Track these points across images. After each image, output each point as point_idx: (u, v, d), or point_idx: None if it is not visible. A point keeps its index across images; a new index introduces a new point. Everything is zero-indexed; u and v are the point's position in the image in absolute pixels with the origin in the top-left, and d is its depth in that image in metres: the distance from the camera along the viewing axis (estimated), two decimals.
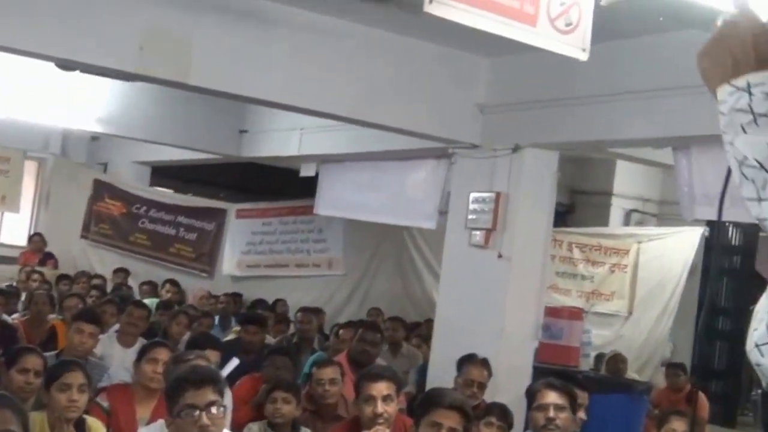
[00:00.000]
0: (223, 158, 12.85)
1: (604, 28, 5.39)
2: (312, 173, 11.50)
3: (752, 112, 1.38)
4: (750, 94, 1.40)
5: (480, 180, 8.08)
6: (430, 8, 4.47)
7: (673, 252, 10.78)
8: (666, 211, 11.81)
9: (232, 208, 14.28)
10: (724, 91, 1.44)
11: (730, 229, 11.11)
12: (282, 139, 11.10)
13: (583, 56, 4.99)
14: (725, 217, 5.44)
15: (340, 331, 9.24)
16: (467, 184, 8.23)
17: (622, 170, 11.74)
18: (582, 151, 9.42)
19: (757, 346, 1.51)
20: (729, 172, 1.49)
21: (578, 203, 12.35)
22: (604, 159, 11.02)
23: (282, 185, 14.36)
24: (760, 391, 1.55)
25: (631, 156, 9.36)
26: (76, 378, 4.82)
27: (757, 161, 1.34)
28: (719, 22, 1.56)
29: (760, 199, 1.34)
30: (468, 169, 8.28)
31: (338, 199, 11.08)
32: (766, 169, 1.33)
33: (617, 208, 12.01)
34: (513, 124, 7.90)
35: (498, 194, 7.88)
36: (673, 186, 8.27)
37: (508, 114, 7.95)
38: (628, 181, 11.94)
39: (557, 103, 7.46)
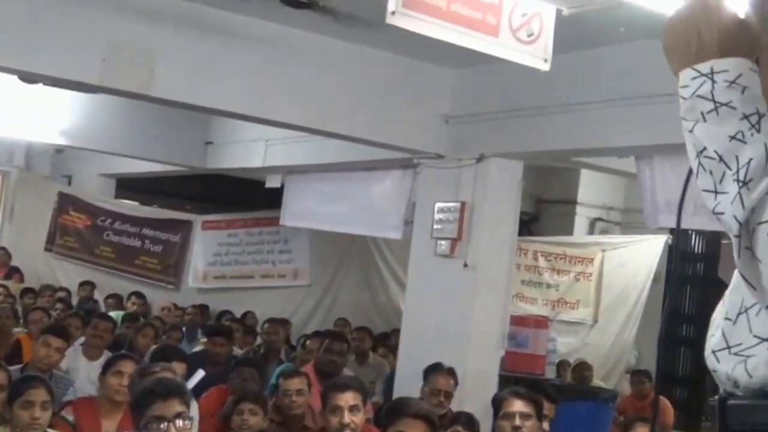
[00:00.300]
0: (188, 170, 12.82)
1: (567, 38, 5.44)
2: (277, 184, 11.49)
3: (714, 101, 1.35)
4: (713, 81, 1.37)
5: (445, 190, 8.10)
6: (392, 19, 4.50)
7: (637, 260, 10.86)
8: (630, 220, 11.89)
9: (197, 219, 14.23)
10: (686, 76, 1.41)
11: (693, 236, 11.20)
12: (247, 151, 11.09)
13: (545, 66, 5.04)
14: (687, 225, 5.50)
15: (307, 342, 9.23)
16: (432, 194, 8.25)
17: (586, 179, 11.81)
18: (546, 160, 9.48)
19: (713, 352, 1.52)
20: (687, 180, 1.49)
21: (543, 212, 12.42)
22: (568, 168, 11.09)
23: (248, 196, 14.34)
24: (717, 396, 1.54)
25: (594, 165, 9.43)
26: (39, 395, 4.79)
27: (716, 153, 1.32)
28: None
29: (716, 192, 1.32)
30: (433, 179, 8.31)
31: (304, 210, 11.09)
32: (725, 163, 1.30)
33: (581, 216, 12.08)
34: (477, 134, 7.94)
35: (463, 204, 7.91)
36: (636, 194, 8.34)
37: (473, 124, 7.99)
38: (592, 190, 12.01)
39: (521, 113, 7.50)
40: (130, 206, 15.42)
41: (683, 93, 1.40)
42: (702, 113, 1.35)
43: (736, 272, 1.52)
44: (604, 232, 12.12)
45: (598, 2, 4.10)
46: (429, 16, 4.59)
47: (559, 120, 7.25)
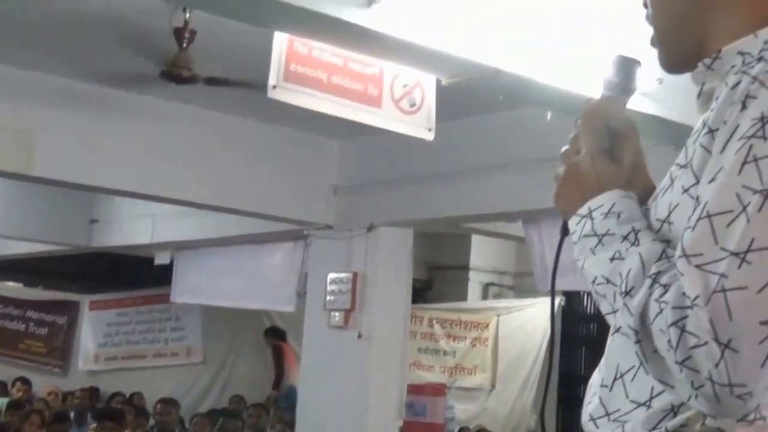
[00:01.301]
0: (73, 249, 12.50)
1: (450, 106, 5.49)
2: (167, 261, 11.32)
3: (596, 235, 1.43)
4: (592, 219, 1.45)
5: (337, 261, 8.12)
6: (273, 94, 4.49)
7: (531, 323, 10.92)
8: (522, 283, 11.98)
9: (84, 300, 13.91)
10: (573, 223, 1.49)
11: (585, 297, 11.33)
12: (134, 228, 10.87)
13: (429, 136, 5.07)
14: (573, 287, 5.54)
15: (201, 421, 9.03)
16: (324, 266, 8.26)
17: (477, 244, 11.88)
18: (436, 227, 9.54)
19: (592, 419, 1.53)
20: (559, 246, 1.55)
21: (436, 278, 12.44)
22: (459, 234, 11.16)
23: (137, 274, 14.05)
24: None
25: (484, 230, 9.51)
26: None
27: (603, 277, 1.39)
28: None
29: (614, 312, 1.37)
30: (324, 251, 8.32)
31: (195, 286, 10.92)
32: (612, 283, 1.37)
33: (474, 282, 12.12)
34: (366, 203, 7.99)
35: (355, 274, 7.93)
36: (527, 258, 8.41)
37: (362, 194, 8.04)
38: (483, 255, 12.08)
39: (409, 182, 7.57)
40: (13, 289, 15.01)
41: (573, 239, 1.48)
42: (590, 249, 1.43)
43: (610, 338, 1.56)
44: (497, 296, 12.18)
45: (475, 72, 4.15)
46: (310, 89, 4.59)
47: (446, 187, 7.31)
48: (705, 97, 1.47)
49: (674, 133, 4.65)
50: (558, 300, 10.52)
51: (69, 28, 6.02)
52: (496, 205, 7.08)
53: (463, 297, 12.02)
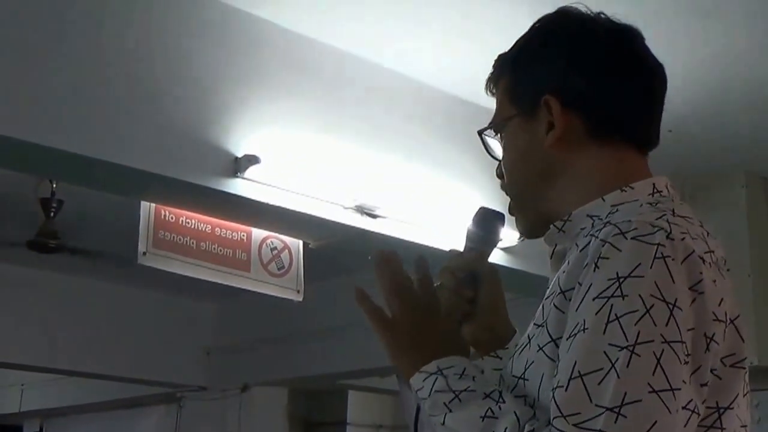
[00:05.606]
0: None
1: (319, 267, 5.56)
2: (36, 429, 10.98)
3: (452, 391, 1.42)
4: (444, 376, 1.44)
5: (211, 422, 8.07)
6: (143, 260, 4.48)
7: None
8: None
9: None
10: (418, 380, 1.47)
11: None
12: (1, 397, 10.56)
13: (298, 297, 5.12)
14: None
15: None
16: (198, 428, 8.23)
17: (355, 399, 11.82)
18: (310, 384, 9.52)
19: None
20: (418, 409, 1.52)
21: None
22: (336, 389, 11.11)
23: None
24: None
25: (360, 385, 9.52)
26: None
27: None
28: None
29: None
30: (198, 412, 8.27)
31: None
32: None
33: None
34: (240, 364, 7.96)
35: None
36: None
37: (235, 354, 8.01)
38: (361, 410, 12.00)
39: (282, 341, 7.57)
40: None
41: (422, 395, 1.46)
42: (445, 404, 1.41)
43: None
44: None
45: (341, 234, 4.23)
46: (180, 255, 4.60)
47: (319, 345, 7.35)
48: (557, 258, 1.51)
49: (536, 286, 4.69)
50: None
51: None
52: (369, 361, 7.09)
53: None
